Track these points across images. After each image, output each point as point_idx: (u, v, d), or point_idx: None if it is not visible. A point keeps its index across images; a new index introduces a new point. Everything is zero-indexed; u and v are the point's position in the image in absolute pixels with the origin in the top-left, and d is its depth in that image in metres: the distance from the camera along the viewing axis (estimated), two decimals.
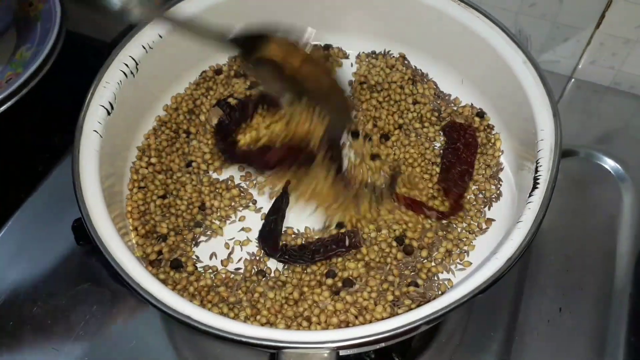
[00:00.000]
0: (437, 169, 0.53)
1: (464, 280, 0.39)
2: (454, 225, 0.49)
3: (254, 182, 0.52)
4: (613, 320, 0.50)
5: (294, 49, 0.46)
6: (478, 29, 0.51)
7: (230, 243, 0.49)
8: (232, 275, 0.47)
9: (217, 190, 0.51)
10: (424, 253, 0.47)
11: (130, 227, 0.48)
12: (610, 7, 0.58)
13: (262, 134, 0.51)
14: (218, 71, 0.58)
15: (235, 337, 0.35)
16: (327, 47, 0.60)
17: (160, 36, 0.51)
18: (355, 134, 0.54)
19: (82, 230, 0.48)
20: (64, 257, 0.54)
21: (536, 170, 0.44)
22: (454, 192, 0.51)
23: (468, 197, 0.51)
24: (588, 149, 0.61)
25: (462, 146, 0.53)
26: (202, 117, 0.55)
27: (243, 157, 0.52)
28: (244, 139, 0.52)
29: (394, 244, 0.48)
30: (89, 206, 0.41)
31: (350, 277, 0.45)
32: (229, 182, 0.52)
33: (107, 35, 0.79)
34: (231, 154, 0.52)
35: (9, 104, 0.58)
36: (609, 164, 0.60)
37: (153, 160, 0.52)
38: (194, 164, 0.52)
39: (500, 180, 0.52)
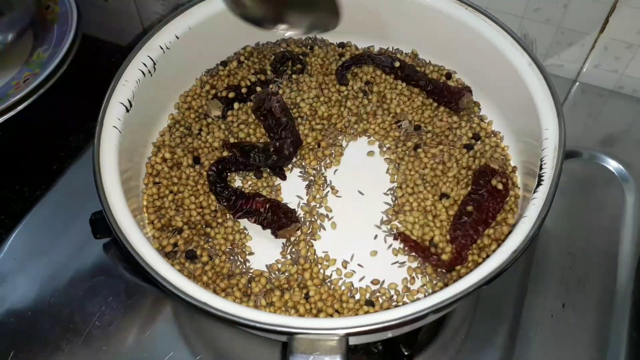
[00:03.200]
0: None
1: (470, 272, 0.40)
2: None
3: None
4: (615, 316, 0.51)
5: None
6: (485, 31, 0.53)
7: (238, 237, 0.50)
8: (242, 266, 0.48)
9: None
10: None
11: (147, 221, 0.50)
12: (614, 12, 0.59)
13: None
14: (224, 63, 0.60)
15: (249, 323, 0.36)
16: (342, 44, 0.62)
17: (177, 37, 0.53)
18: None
19: (100, 224, 0.50)
20: (80, 251, 0.55)
21: (540, 168, 0.45)
22: (460, 242, 0.48)
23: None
24: (592, 151, 0.62)
25: (487, 193, 0.50)
26: (213, 114, 0.57)
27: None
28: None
29: None
30: (109, 198, 0.43)
31: None
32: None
33: (121, 38, 0.81)
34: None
35: (26, 103, 0.60)
36: (613, 165, 0.61)
37: (167, 156, 0.53)
38: (201, 159, 0.54)
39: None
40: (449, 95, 0.57)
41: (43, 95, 0.61)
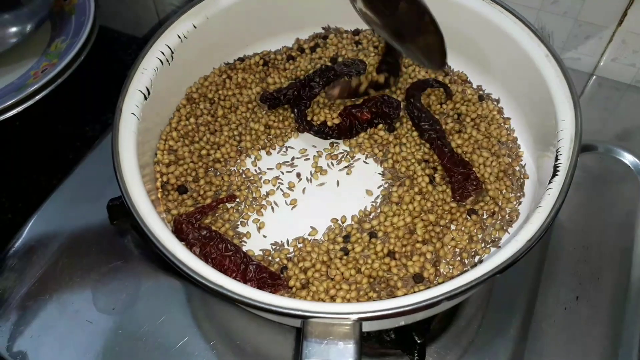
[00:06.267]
0: None
1: (484, 260, 0.40)
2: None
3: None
4: (629, 309, 0.51)
5: None
6: (502, 24, 0.53)
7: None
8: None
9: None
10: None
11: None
12: (632, 6, 0.59)
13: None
14: (241, 59, 0.60)
15: (265, 306, 0.37)
16: (357, 32, 0.62)
17: (195, 26, 0.53)
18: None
19: (117, 210, 0.51)
20: (96, 237, 0.56)
21: (556, 159, 0.45)
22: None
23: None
24: (608, 145, 0.62)
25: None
26: (220, 112, 0.57)
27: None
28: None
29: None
30: (128, 184, 0.43)
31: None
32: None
33: (136, 30, 0.82)
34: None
35: (44, 92, 0.61)
36: (629, 159, 0.61)
37: (179, 142, 0.54)
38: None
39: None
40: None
41: (60, 85, 0.62)
